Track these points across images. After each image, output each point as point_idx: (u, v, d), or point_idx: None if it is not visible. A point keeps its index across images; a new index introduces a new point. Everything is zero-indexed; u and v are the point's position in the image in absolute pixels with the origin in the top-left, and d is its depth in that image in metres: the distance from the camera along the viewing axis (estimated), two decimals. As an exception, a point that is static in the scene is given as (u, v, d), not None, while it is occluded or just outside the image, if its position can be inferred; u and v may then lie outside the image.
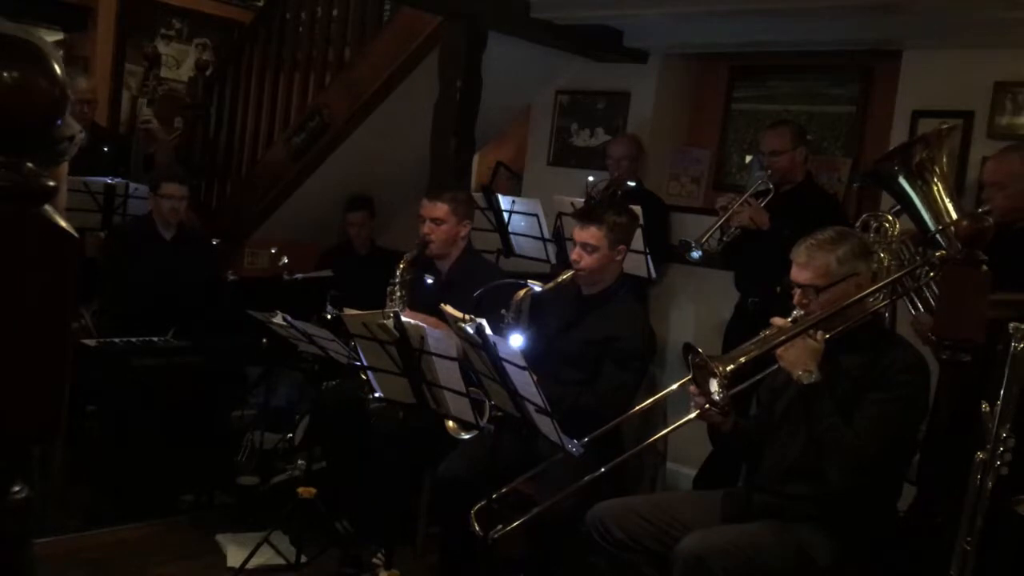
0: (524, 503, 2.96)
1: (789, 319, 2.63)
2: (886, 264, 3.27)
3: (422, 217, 3.81)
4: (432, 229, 3.77)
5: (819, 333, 2.56)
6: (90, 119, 5.20)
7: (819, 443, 2.52)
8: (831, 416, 2.50)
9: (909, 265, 3.22)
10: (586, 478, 2.78)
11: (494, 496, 2.79)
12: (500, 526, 2.77)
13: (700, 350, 2.55)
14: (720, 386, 2.52)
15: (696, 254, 4.14)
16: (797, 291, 2.68)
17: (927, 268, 3.05)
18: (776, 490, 2.67)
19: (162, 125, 5.63)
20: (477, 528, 2.77)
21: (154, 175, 4.77)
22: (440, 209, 3.76)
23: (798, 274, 2.67)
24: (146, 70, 5.68)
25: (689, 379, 2.65)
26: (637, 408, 2.98)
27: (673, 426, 2.95)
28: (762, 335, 2.63)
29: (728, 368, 2.50)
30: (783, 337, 2.55)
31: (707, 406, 2.62)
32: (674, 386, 2.93)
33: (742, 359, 2.53)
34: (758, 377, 2.75)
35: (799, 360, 2.53)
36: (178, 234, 4.64)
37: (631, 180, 4.82)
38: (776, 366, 2.68)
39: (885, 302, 2.95)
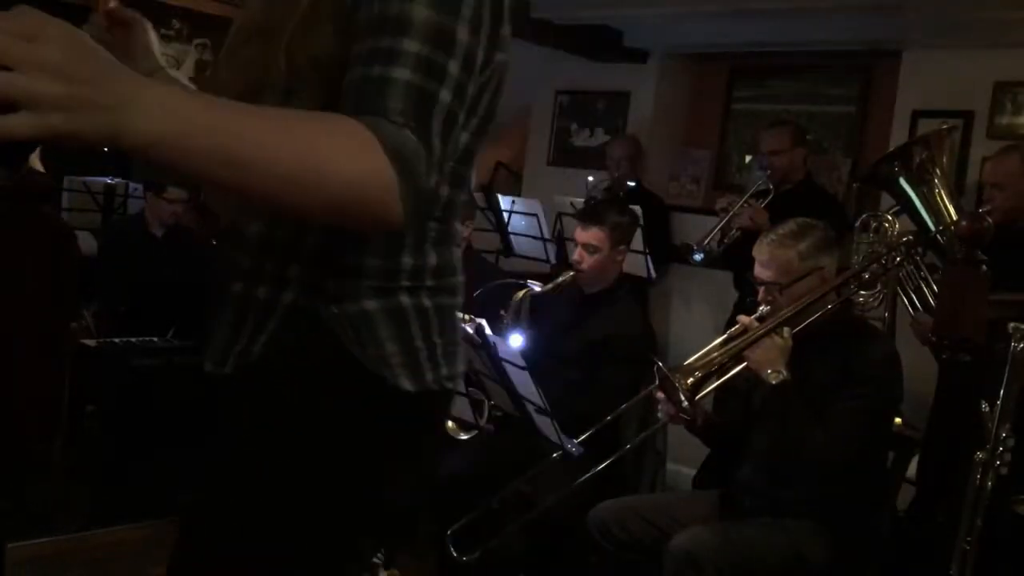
0: (522, 503, 2.96)
1: (755, 316, 2.60)
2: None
3: None
4: None
5: (785, 330, 2.52)
6: None
7: (794, 443, 2.50)
8: (802, 414, 2.47)
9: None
10: (580, 479, 2.76)
11: (490, 507, 2.79)
12: (476, 553, 2.76)
13: (660, 364, 2.53)
14: (685, 396, 2.48)
15: (698, 256, 4.13)
16: (761, 289, 2.64)
17: (893, 254, 3.02)
18: (765, 491, 2.66)
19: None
20: (453, 552, 2.76)
21: (155, 176, 4.77)
22: None
23: (761, 272, 2.63)
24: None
25: (656, 387, 2.62)
26: (618, 410, 2.95)
27: (642, 435, 2.98)
28: (727, 335, 2.60)
29: (689, 381, 2.46)
30: (748, 338, 2.51)
31: (676, 413, 2.58)
32: (640, 395, 2.92)
33: (699, 373, 2.48)
34: (729, 375, 2.69)
35: (766, 360, 2.49)
36: (169, 232, 4.64)
37: (630, 180, 4.82)
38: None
39: (853, 293, 2.92)
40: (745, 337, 2.53)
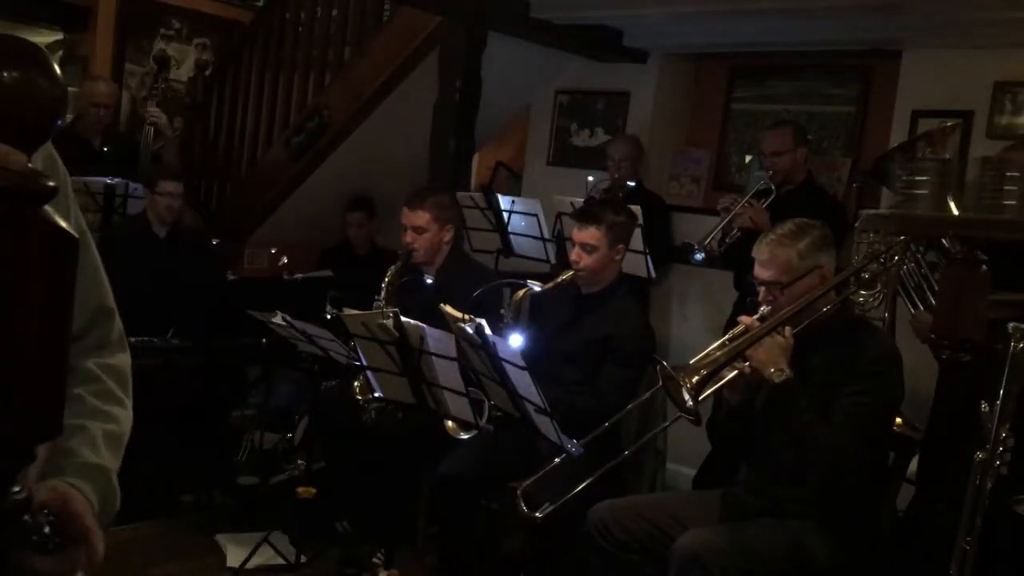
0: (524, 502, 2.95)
1: (756, 316, 2.61)
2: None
3: (404, 225, 3.72)
4: (415, 238, 3.68)
5: (787, 329, 2.53)
6: (107, 123, 5.22)
7: (797, 442, 2.51)
8: (806, 413, 2.48)
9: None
10: (588, 480, 2.75)
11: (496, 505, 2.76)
12: (547, 504, 2.68)
13: (664, 363, 2.53)
14: (689, 396, 2.48)
15: (699, 256, 4.14)
16: (761, 289, 2.65)
17: (891, 252, 3.01)
18: (767, 491, 2.66)
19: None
20: (524, 508, 2.66)
21: (152, 173, 4.78)
22: (422, 218, 3.67)
23: (761, 272, 2.64)
24: (155, 72, 5.65)
25: (659, 388, 2.63)
26: (624, 410, 2.94)
27: (648, 436, 2.96)
28: (730, 335, 2.60)
29: (694, 380, 2.46)
30: (750, 337, 2.51)
31: (679, 415, 2.58)
32: (644, 396, 2.92)
33: (704, 371, 2.48)
34: (733, 375, 2.69)
35: (769, 359, 2.50)
36: (172, 232, 4.64)
37: (631, 181, 4.82)
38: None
39: (853, 291, 2.92)
40: (747, 337, 2.54)
